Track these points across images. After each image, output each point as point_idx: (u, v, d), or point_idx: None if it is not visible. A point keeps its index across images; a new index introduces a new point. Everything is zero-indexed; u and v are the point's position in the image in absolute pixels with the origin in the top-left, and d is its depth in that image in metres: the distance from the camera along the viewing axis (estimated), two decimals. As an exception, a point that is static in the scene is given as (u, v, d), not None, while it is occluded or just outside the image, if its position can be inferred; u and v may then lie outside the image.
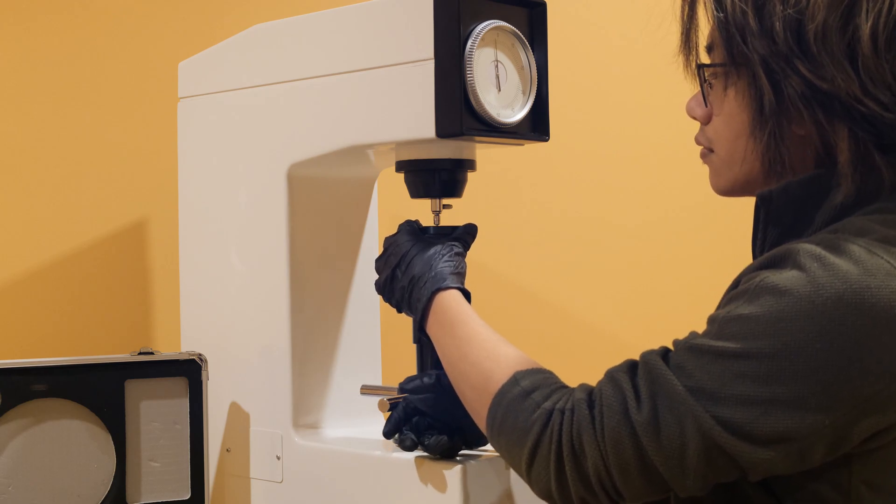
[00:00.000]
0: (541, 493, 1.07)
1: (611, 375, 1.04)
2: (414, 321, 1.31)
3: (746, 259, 1.09)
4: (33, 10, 1.81)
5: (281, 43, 1.45)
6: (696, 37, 1.12)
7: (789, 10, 1.01)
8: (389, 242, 1.36)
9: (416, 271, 1.30)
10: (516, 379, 1.11)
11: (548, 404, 1.06)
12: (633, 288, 2.00)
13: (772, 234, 1.08)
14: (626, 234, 2.00)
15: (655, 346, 1.05)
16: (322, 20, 1.41)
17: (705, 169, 1.16)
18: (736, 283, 1.02)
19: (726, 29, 1.06)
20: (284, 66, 1.44)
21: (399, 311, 1.35)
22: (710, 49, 1.12)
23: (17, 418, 1.38)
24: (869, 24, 0.99)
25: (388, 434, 1.34)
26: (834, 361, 0.93)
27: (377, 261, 1.37)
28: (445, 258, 1.31)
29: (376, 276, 1.37)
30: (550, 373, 1.13)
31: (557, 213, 2.01)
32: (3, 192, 1.79)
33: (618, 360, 1.06)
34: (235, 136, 1.51)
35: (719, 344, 0.97)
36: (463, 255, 1.34)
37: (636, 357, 1.05)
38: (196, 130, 1.57)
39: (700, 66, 1.11)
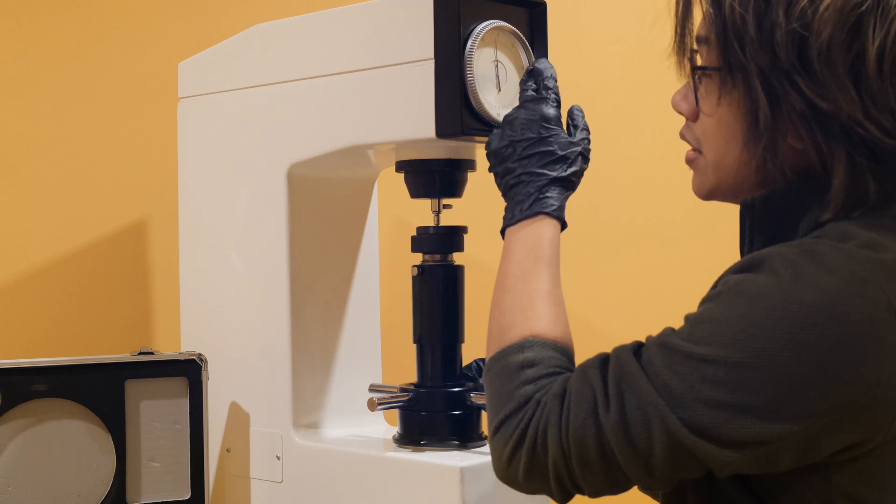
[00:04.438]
0: (494, 462, 1.06)
1: (582, 371, 1.03)
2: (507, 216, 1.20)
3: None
4: (33, 10, 1.81)
5: (281, 43, 1.45)
6: (691, 38, 1.08)
7: (793, 23, 0.97)
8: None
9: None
10: (523, 346, 1.09)
11: (530, 388, 1.04)
12: (633, 288, 2.00)
13: (758, 240, 1.06)
14: (625, 234, 2.00)
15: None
16: (322, 20, 1.41)
17: None
18: (715, 285, 1.01)
19: (724, 34, 1.02)
20: (284, 66, 1.44)
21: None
22: (701, 40, 1.07)
23: (17, 418, 1.38)
24: (876, 44, 0.96)
25: None
26: (803, 370, 0.91)
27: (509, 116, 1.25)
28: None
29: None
30: (562, 349, 1.10)
31: (557, 213, 2.01)
32: (3, 192, 1.79)
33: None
34: (235, 136, 1.51)
35: (689, 346, 0.96)
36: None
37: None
38: (196, 130, 1.57)
39: (694, 69, 1.07)
